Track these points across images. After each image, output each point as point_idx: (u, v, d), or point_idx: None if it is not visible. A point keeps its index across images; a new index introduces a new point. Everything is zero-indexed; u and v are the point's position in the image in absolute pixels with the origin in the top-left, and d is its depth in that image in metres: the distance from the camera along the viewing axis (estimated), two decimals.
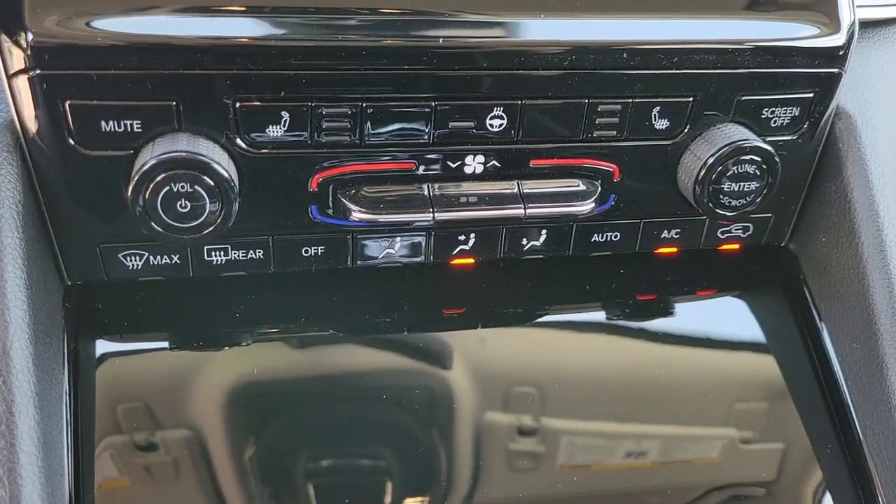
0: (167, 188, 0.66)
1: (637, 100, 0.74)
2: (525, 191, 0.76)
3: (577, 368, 0.84)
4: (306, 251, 0.77)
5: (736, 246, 0.88)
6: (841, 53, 0.77)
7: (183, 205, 0.66)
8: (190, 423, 0.75)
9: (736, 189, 0.78)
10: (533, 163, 0.76)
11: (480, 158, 0.75)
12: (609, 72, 0.72)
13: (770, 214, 0.86)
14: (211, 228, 0.68)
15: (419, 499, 0.75)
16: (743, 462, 0.82)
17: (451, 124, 0.72)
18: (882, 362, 0.80)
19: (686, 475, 0.81)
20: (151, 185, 0.65)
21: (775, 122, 0.79)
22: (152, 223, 0.67)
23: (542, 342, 0.85)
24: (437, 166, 0.75)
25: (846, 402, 0.83)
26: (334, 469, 0.76)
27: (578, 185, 0.78)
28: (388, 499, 0.75)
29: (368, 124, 0.70)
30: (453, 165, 0.75)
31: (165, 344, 0.78)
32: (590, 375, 0.84)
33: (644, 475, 0.80)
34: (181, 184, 0.66)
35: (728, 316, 0.90)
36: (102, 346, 0.76)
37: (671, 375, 0.84)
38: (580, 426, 0.81)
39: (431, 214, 0.74)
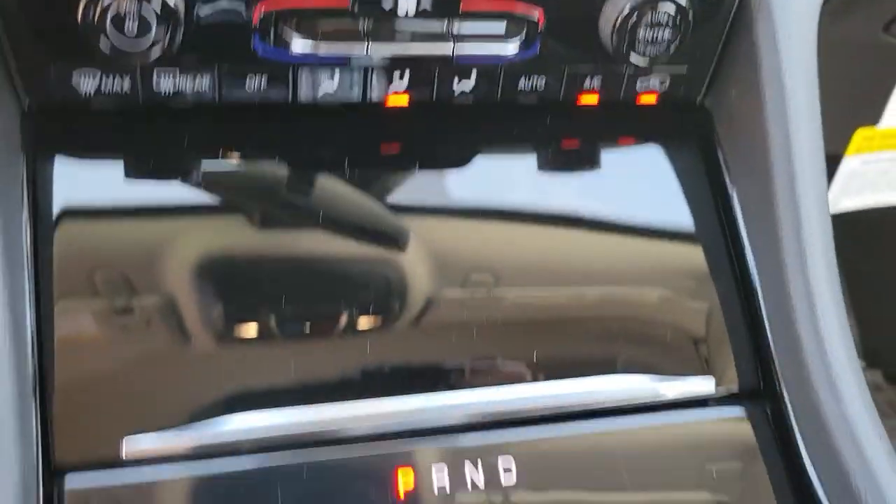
0: (116, 11, 0.71)
1: None
2: (454, 31, 0.82)
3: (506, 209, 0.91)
4: (250, 81, 0.82)
5: (653, 98, 0.95)
6: None
7: (130, 29, 0.72)
8: (148, 276, 0.79)
9: (650, 37, 0.84)
10: (463, 8, 0.82)
11: (413, 1, 0.81)
12: None
13: (685, 65, 0.93)
14: (158, 49, 0.73)
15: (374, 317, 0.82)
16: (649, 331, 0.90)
17: None
18: (777, 230, 0.88)
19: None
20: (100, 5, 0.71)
21: None
22: (101, 42, 0.72)
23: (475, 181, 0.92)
24: (371, 6, 0.80)
25: (751, 274, 0.91)
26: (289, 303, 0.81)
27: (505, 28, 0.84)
28: (343, 318, 0.81)
29: None
30: (387, 9, 0.80)
31: (119, 172, 0.83)
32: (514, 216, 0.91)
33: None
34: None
35: (645, 168, 0.97)
36: (60, 170, 0.81)
37: (588, 230, 0.92)
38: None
39: (366, 45, 0.80)
